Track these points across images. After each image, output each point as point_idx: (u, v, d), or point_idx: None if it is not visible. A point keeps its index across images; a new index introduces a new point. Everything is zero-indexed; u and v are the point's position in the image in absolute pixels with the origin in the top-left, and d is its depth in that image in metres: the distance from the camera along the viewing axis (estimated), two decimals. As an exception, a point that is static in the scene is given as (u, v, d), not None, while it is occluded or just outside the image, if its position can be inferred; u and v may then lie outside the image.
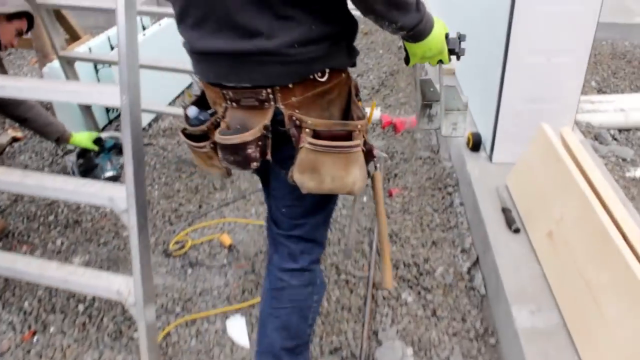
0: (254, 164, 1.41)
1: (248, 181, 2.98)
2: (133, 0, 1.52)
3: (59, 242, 2.63)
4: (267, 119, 1.37)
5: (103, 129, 3.49)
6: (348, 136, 1.40)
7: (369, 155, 1.48)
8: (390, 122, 3.35)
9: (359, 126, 1.39)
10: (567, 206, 1.94)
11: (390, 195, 2.78)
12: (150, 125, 3.57)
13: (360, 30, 4.87)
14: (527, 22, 2.26)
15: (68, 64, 2.94)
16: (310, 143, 1.36)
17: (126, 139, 1.62)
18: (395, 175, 2.94)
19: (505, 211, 2.28)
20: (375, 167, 1.61)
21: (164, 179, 3.05)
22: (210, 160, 1.52)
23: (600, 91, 3.76)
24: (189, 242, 2.59)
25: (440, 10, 4.00)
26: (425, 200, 2.73)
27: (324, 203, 1.61)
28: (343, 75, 1.44)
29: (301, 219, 1.61)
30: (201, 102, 1.55)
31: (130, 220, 1.71)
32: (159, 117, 3.67)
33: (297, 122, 1.37)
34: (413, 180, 2.88)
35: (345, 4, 1.37)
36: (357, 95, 1.50)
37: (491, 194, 2.40)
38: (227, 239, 2.58)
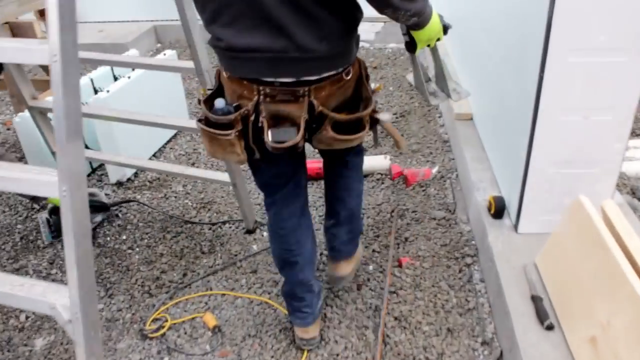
0: (299, 150, 1.64)
1: (239, 244, 2.65)
2: (72, 50, 1.22)
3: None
4: (304, 111, 1.57)
5: (85, 179, 3.19)
6: (361, 122, 1.66)
7: (374, 122, 1.73)
8: (400, 173, 3.01)
9: (367, 112, 1.65)
10: (616, 309, 1.58)
11: (400, 265, 2.43)
12: (136, 174, 3.25)
13: (370, 64, 4.58)
14: (562, 76, 1.92)
15: (40, 114, 2.63)
16: (330, 135, 1.61)
17: (68, 239, 1.31)
18: (406, 239, 2.59)
19: (536, 300, 1.92)
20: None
21: (146, 240, 2.72)
22: (232, 147, 1.63)
23: (635, 134, 3.38)
24: (168, 321, 2.26)
25: (462, 55, 3.67)
26: (440, 273, 2.37)
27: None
28: (357, 63, 1.68)
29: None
30: (217, 95, 1.69)
31: (76, 334, 1.39)
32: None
33: (323, 115, 1.58)
34: (426, 246, 2.52)
35: None
36: (366, 76, 1.73)
37: (518, 276, 2.05)
38: (211, 319, 2.23)
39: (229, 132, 1.59)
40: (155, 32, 5.50)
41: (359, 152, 2.04)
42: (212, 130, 1.62)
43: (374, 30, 5.11)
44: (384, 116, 1.75)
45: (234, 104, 1.62)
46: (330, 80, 1.58)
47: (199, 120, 1.67)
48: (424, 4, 1.55)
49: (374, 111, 1.71)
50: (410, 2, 1.50)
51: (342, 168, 2.02)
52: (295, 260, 1.95)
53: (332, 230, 2.12)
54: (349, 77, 1.63)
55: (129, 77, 3.18)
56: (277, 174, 1.84)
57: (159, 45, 5.57)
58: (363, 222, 2.63)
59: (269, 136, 1.56)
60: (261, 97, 1.56)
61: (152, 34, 5.42)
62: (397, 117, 3.76)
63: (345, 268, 2.17)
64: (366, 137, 1.76)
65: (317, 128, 1.62)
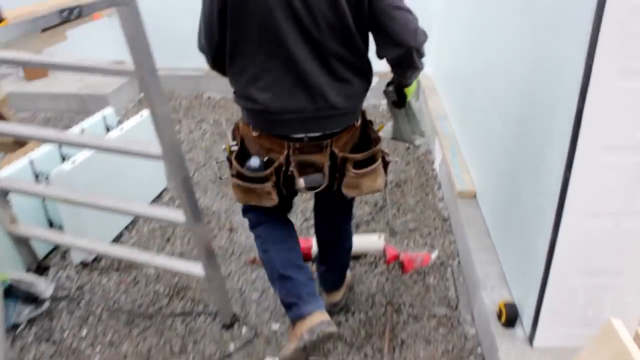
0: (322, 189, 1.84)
1: (215, 342, 2.32)
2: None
3: None
4: (327, 158, 1.81)
5: (47, 257, 2.86)
6: (373, 157, 1.89)
7: (386, 165, 1.98)
8: (396, 257, 2.69)
9: (379, 148, 1.90)
10: None
11: (397, 376, 2.11)
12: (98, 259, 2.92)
13: None
14: (592, 176, 1.65)
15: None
16: (354, 172, 1.83)
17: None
18: (402, 342, 2.27)
19: None
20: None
21: (109, 337, 2.38)
22: (268, 195, 1.83)
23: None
24: None
25: (462, 120, 3.42)
26: (444, 389, 2.05)
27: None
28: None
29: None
30: (242, 150, 1.90)
31: None
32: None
33: (344, 158, 1.82)
34: (425, 353, 2.21)
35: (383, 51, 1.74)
36: (370, 121, 1.97)
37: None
38: None
39: (267, 184, 1.81)
40: (139, 81, 5.22)
41: (350, 214, 2.30)
42: (249, 184, 1.83)
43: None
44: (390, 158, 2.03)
45: (265, 158, 1.83)
46: (347, 130, 1.84)
47: (232, 176, 1.88)
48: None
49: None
50: (422, 61, 1.76)
51: (333, 226, 2.28)
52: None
53: (325, 275, 2.38)
54: (358, 125, 1.89)
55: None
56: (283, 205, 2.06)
57: (142, 94, 5.30)
58: (354, 314, 2.45)
59: (301, 183, 1.82)
60: (291, 150, 1.78)
61: (134, 82, 5.12)
62: (392, 187, 3.49)
63: (337, 295, 2.43)
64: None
65: (341, 172, 1.86)
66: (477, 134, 2.94)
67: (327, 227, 2.28)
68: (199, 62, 1.97)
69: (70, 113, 4.80)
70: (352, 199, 2.18)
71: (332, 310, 2.38)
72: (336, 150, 1.81)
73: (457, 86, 3.51)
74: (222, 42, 1.74)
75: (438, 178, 3.53)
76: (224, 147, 1.97)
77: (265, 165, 1.82)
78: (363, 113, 1.94)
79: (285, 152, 1.79)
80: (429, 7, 4.45)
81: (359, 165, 1.84)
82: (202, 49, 1.83)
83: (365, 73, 1.81)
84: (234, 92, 1.83)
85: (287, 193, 1.93)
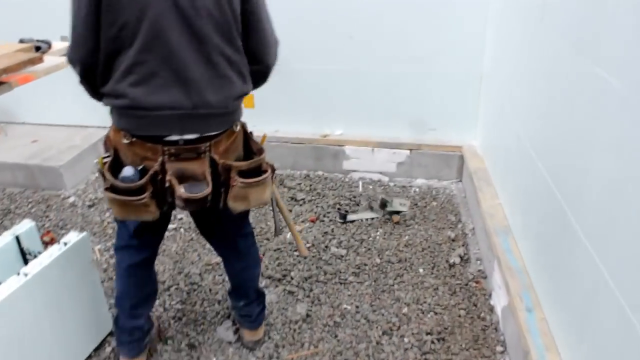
0: (207, 204, 1.74)
1: None
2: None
3: None
4: (207, 166, 1.74)
5: None
6: (259, 167, 1.84)
7: (272, 172, 1.91)
8: None
9: (264, 157, 1.86)
10: None
11: None
12: None
13: (385, 215, 3.26)
14: None
15: None
16: (241, 182, 1.77)
17: None
18: None
19: None
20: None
21: None
22: (146, 207, 1.72)
23: None
24: None
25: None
26: None
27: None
28: (241, 121, 1.89)
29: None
30: (115, 162, 1.76)
31: None
32: None
33: (227, 166, 1.77)
34: None
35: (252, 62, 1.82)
36: (250, 132, 1.94)
37: None
38: None
39: (143, 196, 1.68)
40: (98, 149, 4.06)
41: (247, 234, 2.20)
42: (124, 197, 1.69)
43: (395, 160, 3.79)
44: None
45: (139, 167, 1.71)
46: (226, 134, 1.78)
47: (106, 189, 1.72)
48: None
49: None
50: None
51: (236, 255, 2.19)
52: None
53: (244, 310, 2.30)
54: (237, 129, 1.83)
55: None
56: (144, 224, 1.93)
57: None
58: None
59: (182, 191, 1.68)
60: (166, 156, 1.69)
61: (92, 153, 4.01)
62: (432, 338, 2.40)
63: (261, 331, 2.37)
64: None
65: (226, 184, 1.78)
66: (572, 274, 1.84)
67: (234, 272, 2.27)
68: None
69: (16, 189, 3.80)
70: (245, 217, 2.16)
71: (255, 347, 2.37)
72: (216, 157, 1.75)
73: (529, 173, 2.42)
74: (97, 46, 1.63)
75: (500, 329, 2.43)
76: (96, 160, 1.88)
77: (140, 174, 1.71)
78: (243, 125, 1.90)
79: (160, 158, 1.70)
80: (477, 69, 3.38)
81: (244, 175, 1.79)
82: (74, 59, 1.70)
83: (246, 74, 1.80)
84: (103, 96, 1.71)
85: (168, 209, 1.82)
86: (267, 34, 1.81)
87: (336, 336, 2.46)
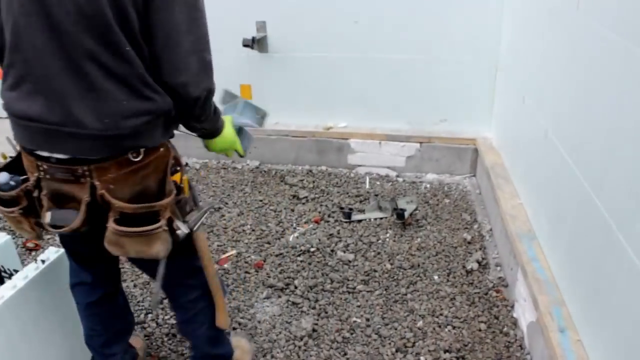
0: (81, 230, 1.45)
1: None
2: None
3: None
4: (86, 194, 1.41)
5: None
6: (155, 215, 1.44)
7: (173, 231, 1.50)
8: None
9: (165, 205, 1.45)
10: None
11: None
12: None
13: (393, 216, 2.99)
14: None
15: None
16: (113, 228, 1.42)
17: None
18: None
19: None
20: (196, 225, 1.59)
21: None
22: (20, 224, 1.53)
23: None
24: None
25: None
26: None
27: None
28: (161, 150, 1.49)
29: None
30: (15, 165, 1.55)
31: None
32: None
33: (107, 201, 1.40)
34: None
35: (159, 82, 1.39)
36: (178, 166, 1.55)
37: None
38: None
39: (12, 209, 1.50)
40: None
41: (188, 286, 1.79)
42: None
43: (404, 154, 3.54)
44: (182, 226, 1.52)
45: (23, 177, 1.50)
46: (116, 162, 1.41)
47: None
48: (217, 124, 1.60)
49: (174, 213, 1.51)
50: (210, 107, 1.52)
51: (182, 312, 1.86)
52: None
53: None
54: (138, 159, 1.43)
55: None
56: (76, 252, 1.80)
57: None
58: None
59: (47, 217, 1.45)
60: (41, 172, 1.44)
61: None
62: (451, 357, 2.18)
63: None
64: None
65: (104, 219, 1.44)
66: (617, 294, 1.60)
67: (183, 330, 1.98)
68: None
69: None
70: (184, 264, 1.72)
71: None
72: (98, 185, 1.40)
73: (558, 173, 2.18)
74: None
75: (526, 346, 2.21)
76: None
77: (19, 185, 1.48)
78: (169, 153, 1.53)
79: (36, 174, 1.45)
80: (492, 58, 3.14)
81: (127, 220, 1.42)
82: None
83: (138, 89, 1.35)
84: None
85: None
86: (181, 43, 1.35)
87: (345, 354, 2.24)
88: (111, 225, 1.42)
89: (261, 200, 3.37)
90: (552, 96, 2.29)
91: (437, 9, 3.18)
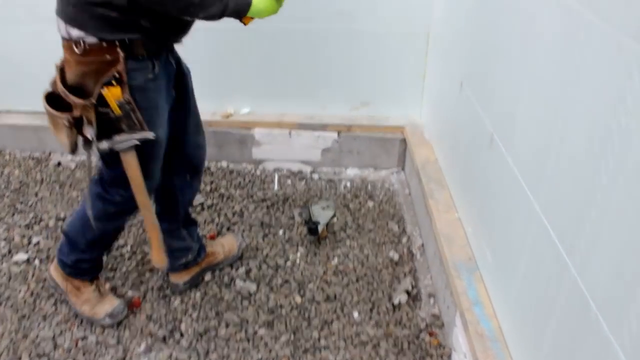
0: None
1: None
2: None
3: None
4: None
5: None
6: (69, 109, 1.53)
7: (80, 129, 1.57)
8: None
9: (76, 103, 1.51)
10: None
11: None
12: None
13: (298, 228, 2.36)
14: None
15: None
16: (43, 104, 1.55)
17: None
18: None
19: None
20: (118, 145, 1.60)
21: None
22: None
23: None
24: None
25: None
26: None
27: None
28: (107, 56, 1.49)
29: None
30: None
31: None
32: None
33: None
34: None
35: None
36: (119, 83, 1.51)
37: None
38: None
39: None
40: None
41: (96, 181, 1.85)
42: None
43: (320, 146, 2.95)
44: (91, 132, 1.57)
45: None
46: (67, 45, 1.52)
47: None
48: (222, 8, 1.50)
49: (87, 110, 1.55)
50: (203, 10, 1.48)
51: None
52: None
53: None
54: (79, 53, 1.49)
55: None
56: None
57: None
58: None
59: None
60: None
61: None
62: None
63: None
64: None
65: None
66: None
67: None
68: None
69: None
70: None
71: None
72: (61, 61, 1.59)
73: (508, 183, 1.67)
74: None
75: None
76: None
77: None
78: (115, 61, 1.51)
79: None
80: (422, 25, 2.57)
81: (54, 102, 1.57)
82: None
83: None
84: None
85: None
86: None
87: None
88: (43, 101, 1.55)
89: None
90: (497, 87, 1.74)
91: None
